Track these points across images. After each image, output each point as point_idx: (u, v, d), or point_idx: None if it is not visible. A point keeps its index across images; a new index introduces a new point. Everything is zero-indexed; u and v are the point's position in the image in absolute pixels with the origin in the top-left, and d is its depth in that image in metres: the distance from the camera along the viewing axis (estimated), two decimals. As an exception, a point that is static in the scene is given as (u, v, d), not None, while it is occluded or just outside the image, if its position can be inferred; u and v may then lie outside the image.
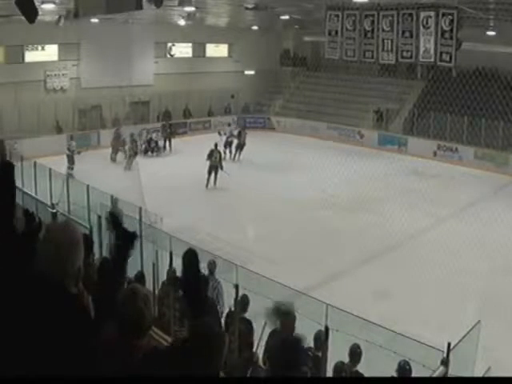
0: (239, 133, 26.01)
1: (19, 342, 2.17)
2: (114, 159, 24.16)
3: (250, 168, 22.89)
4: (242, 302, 7.67)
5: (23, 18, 9.24)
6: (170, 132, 28.13)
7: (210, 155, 20.90)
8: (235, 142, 25.48)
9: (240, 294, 7.70)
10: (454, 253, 12.60)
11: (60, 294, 2.31)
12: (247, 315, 7.71)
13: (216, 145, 21.75)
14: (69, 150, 22.08)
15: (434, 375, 5.16)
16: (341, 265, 13.33)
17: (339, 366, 6.57)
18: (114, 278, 3.11)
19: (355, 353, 6.65)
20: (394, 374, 6.17)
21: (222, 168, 20.73)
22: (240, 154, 25.11)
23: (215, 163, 20.85)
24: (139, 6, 10.04)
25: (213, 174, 20.55)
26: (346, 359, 6.66)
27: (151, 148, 26.25)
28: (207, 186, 20.39)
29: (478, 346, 6.55)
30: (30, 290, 2.29)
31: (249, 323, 7.67)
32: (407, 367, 6.09)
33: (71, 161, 21.74)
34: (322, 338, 6.82)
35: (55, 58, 27.18)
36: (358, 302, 9.88)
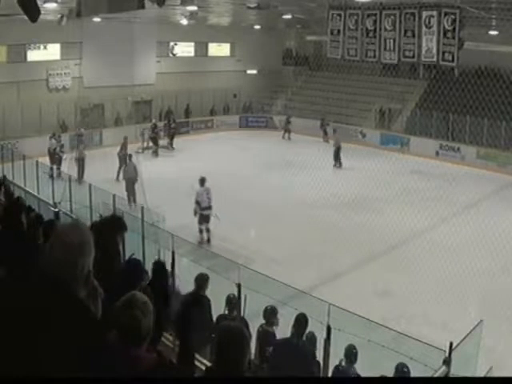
0: None
1: (19, 343, 2.17)
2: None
3: (251, 167, 22.90)
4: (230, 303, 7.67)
5: (25, 17, 9.24)
6: (173, 130, 28.17)
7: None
8: None
9: (242, 293, 7.71)
10: (456, 252, 12.60)
11: (65, 298, 2.28)
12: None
13: None
14: (52, 149, 21.68)
15: (436, 375, 5.15)
16: (343, 264, 13.34)
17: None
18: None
19: (351, 353, 6.64)
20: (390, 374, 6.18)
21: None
22: None
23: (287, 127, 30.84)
24: (141, 5, 10.04)
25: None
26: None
27: (153, 138, 26.27)
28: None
29: (480, 345, 6.54)
30: (35, 291, 2.27)
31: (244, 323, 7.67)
32: (405, 370, 6.08)
33: (55, 161, 21.14)
34: (313, 340, 6.84)
35: (57, 57, 27.25)
36: (360, 302, 9.89)
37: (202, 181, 14.98)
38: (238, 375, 2.73)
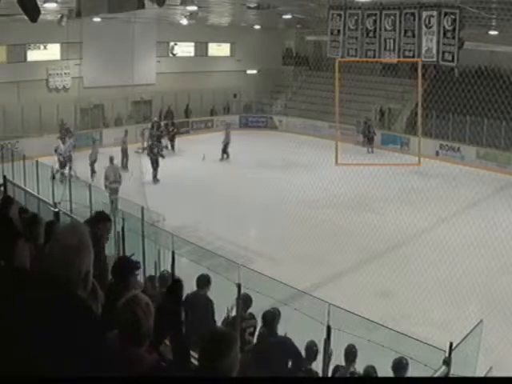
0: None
1: (20, 342, 2.16)
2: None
3: (252, 167, 22.88)
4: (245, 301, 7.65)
5: (25, 17, 9.24)
6: (173, 131, 28.10)
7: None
8: None
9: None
10: (456, 252, 12.60)
11: (66, 297, 2.29)
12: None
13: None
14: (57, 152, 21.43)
15: (436, 375, 5.14)
16: (343, 264, 13.34)
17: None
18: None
19: (350, 353, 6.63)
20: (390, 370, 6.19)
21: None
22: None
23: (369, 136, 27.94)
24: (141, 5, 10.02)
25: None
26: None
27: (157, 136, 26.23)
28: None
29: (480, 345, 6.54)
30: (36, 290, 2.28)
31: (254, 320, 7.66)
32: (404, 362, 6.11)
33: (61, 164, 20.90)
34: (314, 348, 6.76)
35: (57, 57, 27.24)
36: (360, 302, 9.89)
37: (111, 159, 18.11)
38: (219, 375, 2.73)
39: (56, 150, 21.34)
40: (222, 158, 25.19)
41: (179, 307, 4.48)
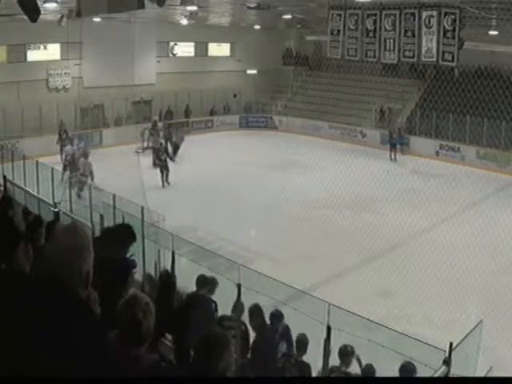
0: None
1: (20, 343, 2.16)
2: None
3: (251, 167, 22.89)
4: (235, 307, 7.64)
5: (25, 17, 9.24)
6: (172, 131, 28.05)
7: None
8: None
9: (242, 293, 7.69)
10: (456, 252, 12.60)
11: (64, 297, 2.28)
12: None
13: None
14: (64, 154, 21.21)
15: (436, 375, 5.14)
16: (343, 264, 13.33)
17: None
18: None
19: (345, 353, 6.60)
20: (397, 374, 6.17)
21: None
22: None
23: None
24: (141, 5, 10.02)
25: None
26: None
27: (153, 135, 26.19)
28: None
29: (480, 345, 6.54)
30: (35, 290, 2.27)
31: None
32: (411, 366, 6.07)
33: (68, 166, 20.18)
34: (304, 342, 6.77)
35: (57, 57, 27.25)
36: (360, 302, 9.89)
37: (86, 155, 19.35)
38: (214, 375, 2.74)
39: (64, 154, 21.15)
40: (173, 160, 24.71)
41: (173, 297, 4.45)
